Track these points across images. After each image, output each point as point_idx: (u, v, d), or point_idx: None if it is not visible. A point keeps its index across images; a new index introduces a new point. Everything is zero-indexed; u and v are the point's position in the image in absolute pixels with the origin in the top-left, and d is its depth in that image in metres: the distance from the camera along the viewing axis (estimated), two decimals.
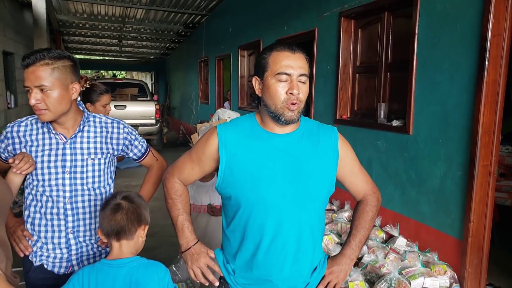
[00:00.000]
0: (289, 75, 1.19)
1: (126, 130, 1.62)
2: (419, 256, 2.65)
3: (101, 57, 18.93)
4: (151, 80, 20.66)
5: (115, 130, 1.58)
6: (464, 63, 2.46)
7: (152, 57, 17.80)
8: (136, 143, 1.66)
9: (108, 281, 1.30)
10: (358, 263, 2.63)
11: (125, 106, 9.18)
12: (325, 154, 1.31)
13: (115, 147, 1.58)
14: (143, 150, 1.69)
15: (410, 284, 2.29)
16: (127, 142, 1.62)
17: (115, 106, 9.18)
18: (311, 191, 1.26)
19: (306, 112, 4.55)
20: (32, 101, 1.37)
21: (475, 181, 2.39)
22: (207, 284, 1.33)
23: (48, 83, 1.36)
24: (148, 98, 10.04)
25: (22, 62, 1.39)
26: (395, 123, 3.06)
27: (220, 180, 1.27)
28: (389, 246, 2.81)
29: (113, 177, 1.66)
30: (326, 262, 1.40)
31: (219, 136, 1.28)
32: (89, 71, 23.24)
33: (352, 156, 1.38)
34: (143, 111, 9.29)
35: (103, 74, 22.99)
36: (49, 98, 1.37)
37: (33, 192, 1.49)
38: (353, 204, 3.53)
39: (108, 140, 1.56)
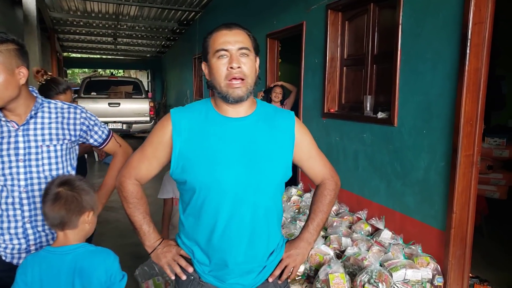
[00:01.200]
0: (227, 50, 1.18)
1: (83, 115, 1.56)
2: (403, 248, 2.63)
3: (98, 56, 18.92)
4: (148, 78, 20.63)
5: (71, 115, 1.53)
6: (446, 52, 2.43)
7: (148, 55, 17.77)
8: (96, 128, 1.61)
9: (53, 269, 1.25)
10: (340, 255, 2.61)
11: (119, 104, 9.16)
12: (281, 138, 1.29)
13: (72, 133, 1.53)
14: (104, 136, 1.65)
15: (391, 276, 2.26)
16: (84, 128, 1.57)
17: (109, 104, 9.17)
18: (266, 174, 1.25)
19: (295, 106, 4.53)
20: None
21: (457, 171, 2.36)
22: (184, 277, 1.30)
23: None
24: (143, 96, 10.01)
25: None
26: (380, 115, 3.04)
27: (174, 166, 1.24)
28: (374, 239, 2.79)
29: (74, 164, 1.61)
30: (285, 246, 1.38)
31: (172, 121, 1.25)
32: (86, 70, 23.24)
33: (309, 140, 1.37)
34: (137, 108, 9.27)
35: (101, 72, 22.99)
36: None
37: None
38: (341, 198, 3.52)
39: (65, 126, 1.51)
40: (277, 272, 1.34)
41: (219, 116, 1.26)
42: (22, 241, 1.47)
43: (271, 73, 5.16)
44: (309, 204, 3.55)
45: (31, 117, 1.45)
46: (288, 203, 3.71)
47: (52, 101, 1.55)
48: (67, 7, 8.62)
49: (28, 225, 1.47)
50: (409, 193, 2.77)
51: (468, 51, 2.26)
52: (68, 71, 20.59)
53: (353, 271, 2.43)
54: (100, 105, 9.03)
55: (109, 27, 10.59)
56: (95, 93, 9.61)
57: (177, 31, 10.98)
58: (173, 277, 1.30)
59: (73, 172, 1.59)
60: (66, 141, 1.52)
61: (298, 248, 1.37)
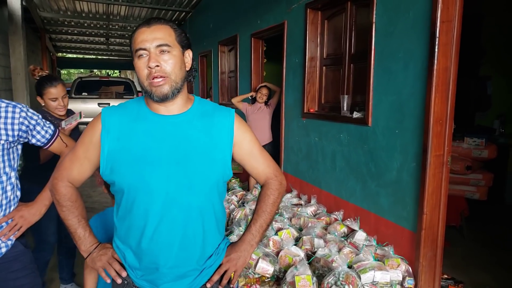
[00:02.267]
0: (145, 49, 1.14)
1: (23, 114, 1.50)
2: (375, 249, 2.60)
3: (93, 56, 18.87)
4: None
5: (9, 114, 1.46)
6: (417, 51, 2.40)
7: None
8: (38, 128, 1.56)
9: None
10: (309, 255, 2.57)
11: (109, 104, 9.12)
12: (217, 136, 1.25)
13: (10, 133, 1.47)
14: (48, 136, 1.60)
15: (359, 278, 2.23)
16: (24, 127, 1.51)
17: (99, 104, 9.13)
18: (200, 173, 1.20)
19: (278, 105, 4.50)
20: None
21: (427, 172, 2.33)
22: (119, 281, 1.26)
23: None
24: (134, 96, 9.97)
25: None
26: (355, 115, 3.01)
27: (103, 166, 1.20)
28: (348, 240, 2.76)
29: (15, 165, 1.56)
30: (226, 249, 1.34)
31: (102, 120, 1.21)
32: (82, 70, 23.20)
33: (250, 139, 1.33)
34: None
35: (97, 73, 22.95)
36: None
37: None
38: (319, 199, 3.49)
39: (2, 126, 1.45)
40: (216, 277, 1.30)
41: (150, 114, 1.22)
42: None
43: (256, 73, 5.12)
44: (288, 205, 3.53)
45: None
46: None
47: None
48: (56, 7, 8.58)
49: None
50: (383, 194, 2.73)
51: (436, 50, 2.23)
52: (63, 71, 20.52)
53: (323, 273, 2.40)
54: (90, 105, 8.99)
55: (101, 27, 10.55)
56: (86, 93, 9.58)
57: None
58: (108, 281, 1.26)
59: (13, 173, 1.54)
60: (2, 141, 1.47)
61: (239, 251, 1.32)
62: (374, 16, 2.72)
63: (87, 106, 8.86)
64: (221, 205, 1.32)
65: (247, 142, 1.31)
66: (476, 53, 5.18)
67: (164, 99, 1.16)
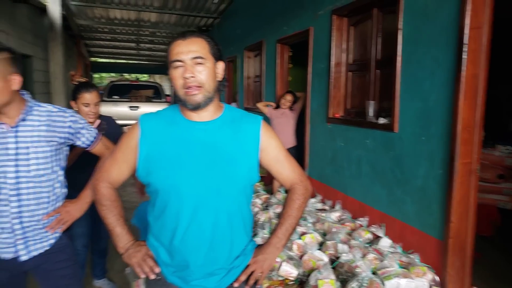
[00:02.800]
0: (181, 61, 1.21)
1: (71, 118, 1.64)
2: (400, 257, 2.58)
3: (124, 61, 19.44)
4: (170, 82, 21.03)
5: (60, 118, 1.60)
6: (444, 57, 2.38)
7: None
8: (83, 131, 1.69)
9: None
10: (333, 260, 2.58)
11: (138, 107, 9.39)
12: (245, 142, 1.30)
13: (60, 135, 1.61)
14: (91, 139, 1.72)
15: (383, 285, 2.23)
16: (72, 130, 1.64)
17: (130, 107, 9.42)
18: (228, 178, 1.26)
19: (302, 110, 4.52)
20: None
21: (454, 180, 2.31)
22: (152, 276, 1.34)
23: None
24: (162, 99, 10.23)
25: None
26: (381, 120, 3.00)
27: (140, 168, 1.28)
28: (373, 247, 2.75)
29: (63, 165, 1.69)
30: (253, 251, 1.39)
31: (141, 126, 1.30)
32: (113, 74, 23.90)
33: (276, 145, 1.37)
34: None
35: (126, 77, 23.59)
36: None
37: None
38: (344, 204, 3.49)
39: (53, 128, 1.59)
40: (243, 278, 1.35)
41: (184, 121, 1.29)
42: (10, 235, 1.55)
43: (281, 78, 5.17)
44: (312, 210, 3.55)
45: (21, 120, 1.54)
46: None
47: (43, 104, 1.63)
48: (91, 15, 8.93)
49: (15, 221, 1.54)
50: (409, 201, 2.72)
51: (465, 56, 2.21)
52: (95, 75, 21.21)
53: (347, 278, 2.41)
54: (121, 108, 9.29)
55: (132, 33, 10.89)
56: (117, 97, 9.90)
57: None
58: (142, 276, 1.34)
59: (60, 172, 1.67)
60: (54, 143, 1.60)
61: (265, 253, 1.37)
62: (401, 22, 2.72)
63: (118, 109, 9.15)
64: (249, 208, 1.38)
65: (273, 148, 1.36)
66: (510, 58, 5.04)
67: (197, 107, 1.23)
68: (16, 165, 1.52)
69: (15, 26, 6.01)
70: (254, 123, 1.34)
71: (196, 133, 1.27)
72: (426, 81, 2.53)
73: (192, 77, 1.20)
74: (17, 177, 1.53)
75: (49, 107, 1.62)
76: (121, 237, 1.36)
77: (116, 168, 1.36)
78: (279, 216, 1.44)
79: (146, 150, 1.27)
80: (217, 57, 1.27)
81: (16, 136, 1.53)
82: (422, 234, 2.60)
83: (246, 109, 6.60)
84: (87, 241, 2.68)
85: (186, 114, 1.29)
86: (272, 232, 1.42)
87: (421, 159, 2.59)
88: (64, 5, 7.22)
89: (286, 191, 1.46)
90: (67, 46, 10.26)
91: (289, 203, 1.41)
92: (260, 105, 4.99)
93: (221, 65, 1.29)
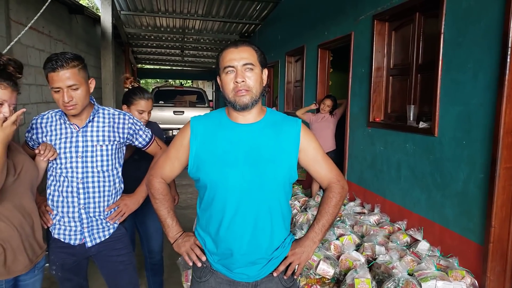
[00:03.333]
0: (233, 67, 1.33)
1: (131, 121, 1.83)
2: (439, 260, 2.57)
3: (168, 67, 20.16)
4: (212, 88, 21.51)
5: (121, 120, 1.80)
6: (487, 61, 2.37)
7: (213, 66, 18.52)
8: (140, 132, 1.88)
9: None
10: (370, 261, 2.62)
11: (183, 112, 9.73)
12: (285, 142, 1.41)
13: (121, 135, 1.80)
14: (147, 139, 1.91)
15: (420, 286, 2.24)
16: (131, 132, 1.83)
17: (174, 112, 9.78)
18: (269, 174, 1.37)
19: (343, 115, 4.55)
20: (66, 99, 1.59)
21: (496, 184, 2.29)
22: (199, 264, 1.46)
23: (77, 81, 1.60)
24: (205, 104, 10.54)
25: (49, 66, 1.57)
26: (421, 125, 3.00)
27: (191, 165, 1.42)
28: (411, 250, 2.76)
29: (121, 162, 1.87)
30: (288, 241, 1.49)
31: (191, 127, 1.44)
32: (158, 80, 24.79)
33: (314, 146, 1.46)
34: None
35: (171, 83, 24.42)
36: (78, 94, 1.62)
37: (53, 173, 1.75)
38: (383, 208, 3.49)
39: (115, 129, 1.78)
40: (282, 268, 1.44)
41: (230, 123, 1.43)
42: (78, 224, 1.76)
43: (321, 82, 5.23)
44: (351, 213, 3.58)
45: (89, 121, 1.75)
46: None
47: (106, 108, 1.84)
48: (139, 23, 9.40)
49: (82, 211, 1.75)
50: (449, 205, 2.70)
51: (508, 60, 2.20)
52: (141, 81, 22.08)
53: (383, 279, 2.44)
54: (166, 113, 9.66)
55: (177, 40, 11.31)
56: (162, 102, 10.30)
57: None
58: (190, 264, 1.47)
59: (120, 168, 1.86)
60: (116, 142, 1.80)
61: (303, 247, 1.45)
62: (443, 26, 2.72)
63: (163, 114, 9.53)
64: (287, 204, 1.48)
65: (311, 149, 1.46)
66: None
67: (244, 108, 1.36)
68: (84, 161, 1.72)
69: (71, 36, 6.49)
70: (294, 126, 1.45)
71: (241, 133, 1.40)
72: (467, 85, 2.52)
73: (243, 81, 1.32)
74: (84, 172, 1.72)
75: (111, 110, 1.82)
76: (172, 228, 1.49)
77: (169, 165, 1.50)
78: (317, 212, 1.52)
79: (196, 148, 1.41)
80: (263, 64, 1.41)
81: (84, 136, 1.73)
82: (461, 239, 2.58)
83: (286, 113, 6.67)
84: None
85: (232, 116, 1.42)
86: (310, 227, 1.50)
87: (462, 163, 2.58)
88: (116, 15, 7.69)
89: (324, 190, 1.55)
90: (115, 53, 10.86)
91: (326, 201, 1.49)
92: (299, 113, 5.01)
93: (265, 72, 1.42)
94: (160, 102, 10.25)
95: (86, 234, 1.77)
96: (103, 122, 1.77)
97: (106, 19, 6.66)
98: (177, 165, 1.49)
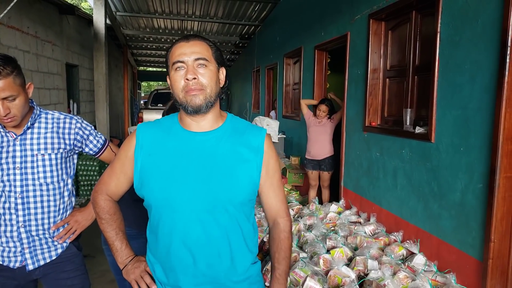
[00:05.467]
0: (183, 62, 1.14)
1: (78, 125, 1.63)
2: (435, 276, 2.39)
3: None
4: None
5: (66, 125, 1.60)
6: (485, 61, 2.20)
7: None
8: (91, 138, 1.67)
9: None
10: (361, 276, 2.44)
11: None
12: (246, 155, 1.21)
13: (67, 142, 1.60)
14: (99, 146, 1.70)
15: None
16: (79, 137, 1.63)
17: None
18: (225, 193, 1.17)
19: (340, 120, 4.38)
20: (2, 113, 1.38)
21: (495, 195, 2.11)
22: None
23: (14, 91, 1.40)
24: None
25: None
26: (418, 130, 2.82)
27: (136, 181, 1.22)
28: (406, 264, 2.58)
29: (71, 173, 1.67)
30: (258, 266, 1.30)
31: (137, 136, 1.24)
32: (160, 82, 24.75)
33: (273, 165, 1.26)
34: None
35: None
36: (16, 105, 1.42)
37: None
38: (379, 217, 3.31)
39: (60, 136, 1.58)
40: None
41: (182, 131, 1.22)
42: (17, 244, 1.55)
43: (318, 85, 5.06)
44: (345, 223, 3.40)
45: (28, 128, 1.54)
46: (324, 220, 3.58)
47: (50, 111, 1.63)
48: (137, 25, 9.29)
49: (22, 229, 1.54)
50: (446, 216, 2.52)
51: (508, 60, 2.02)
52: (143, 84, 22.05)
53: None
54: None
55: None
56: (161, 104, 10.19)
57: (240, 45, 11.26)
58: None
59: (69, 180, 1.66)
60: (61, 150, 1.59)
61: None
62: (439, 25, 2.55)
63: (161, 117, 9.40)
64: (249, 222, 1.27)
65: (270, 168, 1.25)
66: None
67: (197, 110, 1.15)
68: (23, 173, 1.52)
69: (62, 37, 6.37)
70: (258, 136, 1.25)
71: (193, 144, 1.19)
72: (465, 87, 2.34)
73: (194, 78, 1.13)
74: (24, 185, 1.52)
75: (56, 114, 1.62)
76: (120, 251, 1.30)
77: (114, 180, 1.29)
78: (272, 257, 1.32)
79: (142, 161, 1.21)
80: (220, 62, 1.21)
81: (22, 144, 1.52)
82: (459, 253, 2.40)
83: (285, 117, 6.53)
84: None
85: (185, 123, 1.22)
86: (272, 277, 1.31)
87: (459, 171, 2.40)
88: (111, 16, 7.57)
89: (270, 225, 1.34)
90: (114, 55, 10.76)
91: (278, 244, 1.29)
92: (303, 102, 4.78)
93: (223, 71, 1.23)
94: (158, 104, 10.13)
95: (28, 256, 1.56)
96: (46, 128, 1.57)
97: (99, 20, 6.53)
98: (124, 180, 1.28)
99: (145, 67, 19.39)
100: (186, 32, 9.85)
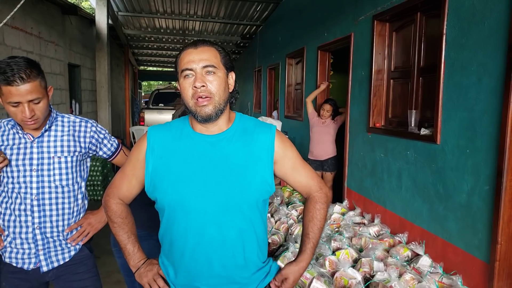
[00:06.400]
0: (191, 69, 1.14)
1: (93, 129, 1.65)
2: (441, 278, 2.40)
3: (171, 69, 20.05)
4: None
5: (82, 129, 1.62)
6: (491, 63, 2.20)
7: None
8: (105, 141, 1.69)
9: None
10: (367, 278, 2.44)
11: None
12: (257, 154, 1.22)
13: (82, 145, 1.62)
14: (113, 149, 1.72)
15: None
16: (94, 141, 1.65)
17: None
18: (238, 193, 1.18)
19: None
20: (27, 114, 1.41)
21: (502, 197, 2.11)
22: None
23: (40, 94, 1.44)
24: None
25: (2, 78, 1.37)
26: (423, 131, 2.82)
27: (148, 183, 1.23)
28: (411, 265, 2.58)
29: (85, 176, 1.69)
30: (272, 266, 1.32)
31: (148, 139, 1.25)
32: (160, 82, 24.75)
33: (291, 154, 1.29)
34: None
35: (175, 85, 24.34)
36: (40, 108, 1.47)
37: (5, 189, 1.56)
38: (383, 218, 3.32)
39: (76, 139, 1.60)
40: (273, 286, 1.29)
41: (193, 133, 1.23)
42: (32, 245, 1.57)
43: None
44: (349, 224, 3.40)
45: (45, 130, 1.56)
46: (328, 221, 3.58)
47: (65, 115, 1.65)
48: (138, 25, 9.28)
49: (37, 231, 1.56)
50: (452, 218, 2.52)
51: None
52: (144, 83, 22.03)
53: None
54: (165, 116, 9.54)
55: (177, 41, 11.18)
56: (162, 104, 10.19)
57: (241, 44, 11.26)
58: None
59: (83, 183, 1.68)
60: (76, 153, 1.61)
61: (294, 266, 1.32)
62: (445, 27, 2.55)
63: (163, 117, 9.42)
64: (263, 224, 1.29)
65: (289, 158, 1.28)
66: None
67: (207, 119, 1.16)
68: (39, 175, 1.54)
69: (65, 37, 6.37)
70: (267, 133, 1.26)
71: (204, 146, 1.21)
72: (471, 89, 2.35)
73: (202, 86, 1.14)
74: (40, 187, 1.54)
75: (72, 117, 1.64)
76: (133, 255, 1.31)
77: (126, 183, 1.30)
78: (303, 227, 1.34)
79: (153, 164, 1.22)
80: (229, 67, 1.22)
81: (39, 147, 1.55)
82: (465, 255, 2.40)
83: (287, 117, 6.53)
84: None
85: (195, 126, 1.23)
86: (300, 248, 1.34)
87: (465, 173, 2.40)
88: (113, 16, 7.57)
89: (306, 200, 1.37)
90: (115, 55, 10.76)
91: (312, 215, 1.32)
92: (309, 99, 4.76)
93: (232, 76, 1.24)
94: (160, 104, 10.13)
95: (42, 257, 1.58)
96: (62, 131, 1.59)
97: (101, 20, 6.54)
98: (135, 184, 1.29)
99: (145, 67, 19.38)
100: (188, 32, 9.85)
